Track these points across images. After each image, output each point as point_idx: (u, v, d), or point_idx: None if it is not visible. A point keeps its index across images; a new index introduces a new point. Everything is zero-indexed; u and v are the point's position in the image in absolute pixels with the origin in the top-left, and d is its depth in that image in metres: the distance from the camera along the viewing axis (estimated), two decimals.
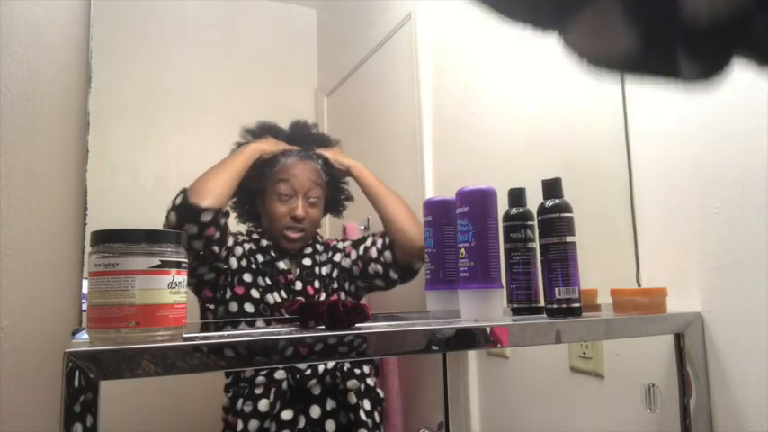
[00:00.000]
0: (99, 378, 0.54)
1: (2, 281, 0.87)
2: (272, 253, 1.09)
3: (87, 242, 0.70)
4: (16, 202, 0.89)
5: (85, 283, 0.61)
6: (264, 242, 1.10)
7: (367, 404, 1.07)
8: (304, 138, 1.17)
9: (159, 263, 0.60)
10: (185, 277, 0.63)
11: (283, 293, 1.07)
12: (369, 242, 1.16)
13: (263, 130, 1.13)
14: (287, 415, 0.98)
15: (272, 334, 0.65)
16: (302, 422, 0.99)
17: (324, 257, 1.16)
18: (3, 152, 0.89)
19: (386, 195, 1.15)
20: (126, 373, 0.55)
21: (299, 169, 1.13)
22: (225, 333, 0.71)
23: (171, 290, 0.60)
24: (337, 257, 1.16)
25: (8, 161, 0.89)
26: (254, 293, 1.04)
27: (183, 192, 0.98)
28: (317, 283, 1.12)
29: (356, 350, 0.67)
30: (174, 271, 0.61)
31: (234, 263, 1.06)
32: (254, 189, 1.11)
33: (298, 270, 1.12)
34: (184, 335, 0.64)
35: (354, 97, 1.55)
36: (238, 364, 0.62)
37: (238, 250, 1.08)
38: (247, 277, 1.05)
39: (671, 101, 1.00)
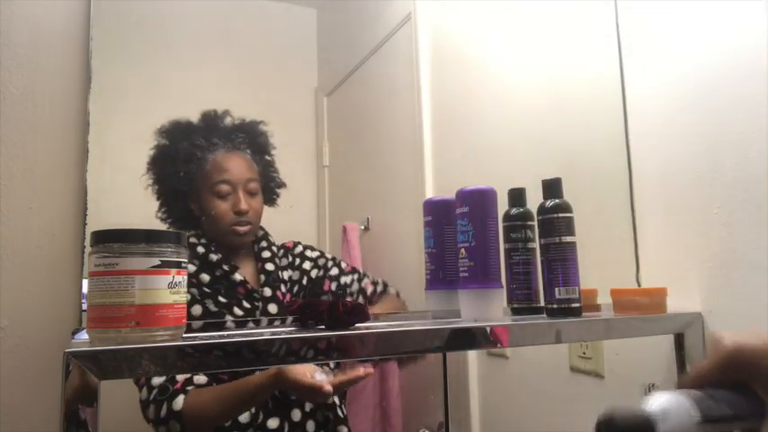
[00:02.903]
0: (99, 378, 0.54)
1: (2, 281, 0.86)
2: (225, 267, 1.04)
3: (87, 242, 0.70)
4: (16, 202, 0.89)
5: (85, 283, 0.61)
6: (214, 257, 1.04)
7: (337, 400, 1.08)
8: (219, 130, 1.11)
9: (159, 263, 0.60)
10: (185, 277, 0.63)
11: (246, 304, 1.03)
12: (348, 280, 1.15)
13: (177, 127, 1.09)
14: (273, 423, 0.97)
15: (273, 334, 0.65)
16: (286, 428, 0.99)
17: (284, 262, 1.12)
18: (3, 152, 0.89)
19: None
20: (126, 373, 0.55)
21: (231, 163, 1.09)
22: (225, 333, 0.71)
23: (171, 290, 0.61)
24: (306, 266, 1.14)
25: (8, 161, 0.89)
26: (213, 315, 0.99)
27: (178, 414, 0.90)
28: (282, 288, 1.09)
29: (356, 350, 0.67)
30: (173, 271, 0.61)
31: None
32: (184, 191, 1.07)
33: (263, 276, 1.08)
34: (184, 335, 0.64)
35: (354, 97, 1.54)
36: (238, 364, 0.62)
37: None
38: (197, 310, 0.99)
39: (671, 101, 1.00)
